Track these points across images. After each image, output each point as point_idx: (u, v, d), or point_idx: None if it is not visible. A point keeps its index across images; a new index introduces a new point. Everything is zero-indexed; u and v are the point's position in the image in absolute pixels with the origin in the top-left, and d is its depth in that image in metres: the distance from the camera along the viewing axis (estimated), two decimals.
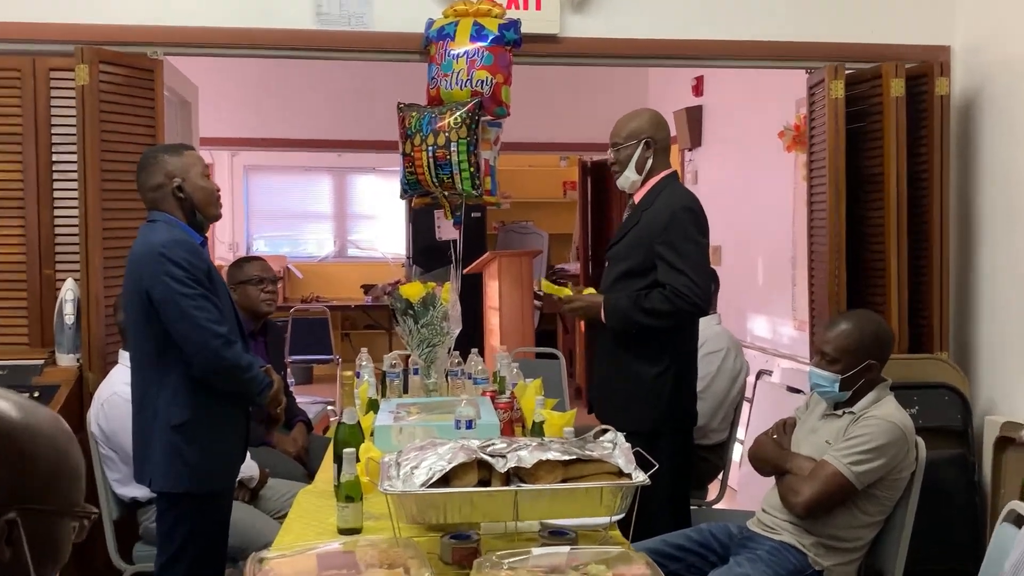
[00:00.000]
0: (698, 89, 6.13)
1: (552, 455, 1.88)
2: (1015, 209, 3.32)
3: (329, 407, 5.84)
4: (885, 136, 3.50)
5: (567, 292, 3.09)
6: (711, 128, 6.06)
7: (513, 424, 2.89)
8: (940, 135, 3.47)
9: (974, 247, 3.55)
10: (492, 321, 6.88)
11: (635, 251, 2.96)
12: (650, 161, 3.02)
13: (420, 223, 8.07)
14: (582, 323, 7.42)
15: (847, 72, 3.57)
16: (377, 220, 9.48)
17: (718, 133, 5.98)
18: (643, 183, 3.04)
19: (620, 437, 2.03)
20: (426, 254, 7.94)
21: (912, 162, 3.52)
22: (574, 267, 8.24)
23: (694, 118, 6.09)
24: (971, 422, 3.33)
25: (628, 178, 3.04)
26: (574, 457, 1.90)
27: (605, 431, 2.07)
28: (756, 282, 5.42)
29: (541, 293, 7.91)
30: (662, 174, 3.04)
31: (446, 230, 8.06)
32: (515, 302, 6.85)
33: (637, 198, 3.07)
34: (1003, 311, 3.39)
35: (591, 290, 3.09)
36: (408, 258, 8.32)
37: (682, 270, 2.83)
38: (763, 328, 5.33)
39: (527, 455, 1.88)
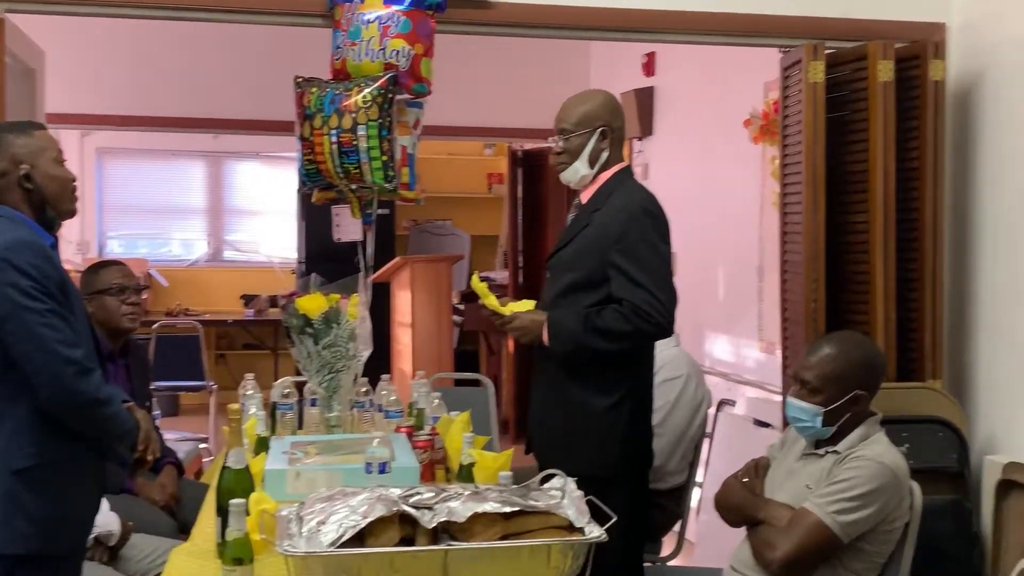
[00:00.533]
0: (649, 68, 6.20)
1: (490, 506, 1.86)
2: (1020, 214, 3.41)
3: (202, 445, 5.71)
4: (871, 127, 3.57)
5: (499, 305, 3.07)
6: (664, 114, 6.13)
7: (435, 467, 2.87)
8: (934, 127, 3.55)
9: (972, 257, 3.64)
10: (402, 340, 6.85)
11: (584, 260, 2.95)
12: (605, 154, 3.03)
13: (314, 221, 8.00)
14: (511, 342, 7.42)
15: (827, 52, 3.64)
16: (261, 217, 9.37)
17: (672, 120, 6.05)
18: (593, 179, 3.04)
19: (570, 483, 2.02)
20: (321, 258, 7.87)
21: (902, 158, 3.59)
22: (501, 276, 8.25)
23: (644, 102, 6.15)
24: (968, 463, 3.41)
25: (577, 172, 3.04)
26: (516, 509, 1.88)
27: (551, 476, 2.05)
28: (716, 296, 5.49)
29: (461, 307, 7.91)
30: (614, 169, 3.05)
31: (346, 230, 8.09)
32: (431, 317, 6.83)
33: (585, 197, 3.07)
34: (1006, 332, 3.49)
35: (528, 303, 3.08)
36: (300, 263, 8.23)
37: (642, 283, 2.83)
38: (724, 350, 5.40)
39: (459, 507, 1.85)
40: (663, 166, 6.08)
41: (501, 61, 6.95)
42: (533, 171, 7.63)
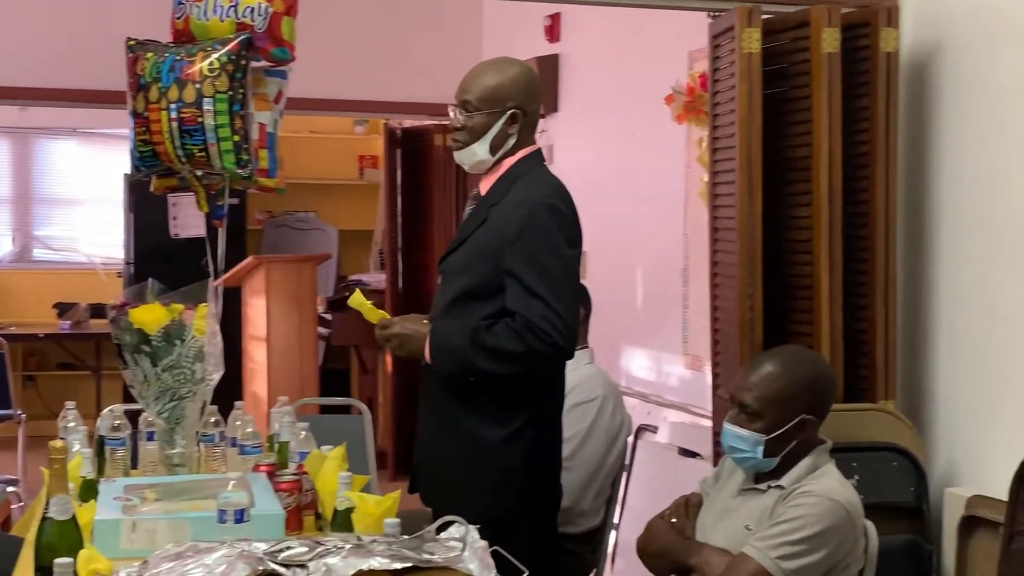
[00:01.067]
0: (553, 32, 6.24)
1: (377, 562, 1.85)
2: (985, 207, 3.52)
3: (10, 488, 5.55)
4: (814, 106, 3.64)
5: (383, 314, 3.06)
6: (571, 88, 6.17)
7: (303, 513, 2.84)
8: (886, 105, 3.63)
9: (930, 257, 3.74)
10: (256, 358, 6.78)
11: (478, 263, 2.96)
12: (512, 140, 3.04)
13: (145, 214, 7.88)
14: (389, 359, 7.39)
15: (764, 17, 3.70)
16: (80, 207, 9.21)
17: (581, 95, 6.09)
18: (496, 164, 3.05)
19: (472, 532, 2.02)
20: (154, 259, 7.73)
21: (849, 142, 3.66)
22: (376, 280, 8.21)
23: (547, 73, 6.19)
24: (927, 497, 3.50)
25: (474, 155, 3.05)
26: (409, 564, 1.87)
27: (449, 524, 2.05)
28: (633, 303, 5.55)
29: (328, 317, 7.86)
30: (521, 153, 3.06)
31: (185, 224, 7.98)
32: (291, 329, 6.78)
33: (485, 186, 3.08)
34: (969, 345, 3.59)
35: (417, 318, 3.07)
36: (127, 264, 8.08)
37: (540, 294, 2.84)
38: (643, 367, 5.46)
39: (339, 563, 1.84)
40: (569, 149, 6.12)
41: (376, 23, 6.93)
42: (415, 153, 7.61)
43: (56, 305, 8.67)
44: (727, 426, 2.78)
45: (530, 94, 3.07)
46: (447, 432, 3.02)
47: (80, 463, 3.10)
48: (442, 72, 7.27)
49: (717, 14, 3.87)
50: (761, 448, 2.72)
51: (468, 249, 3.01)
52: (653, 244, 5.39)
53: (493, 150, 3.03)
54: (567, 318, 2.86)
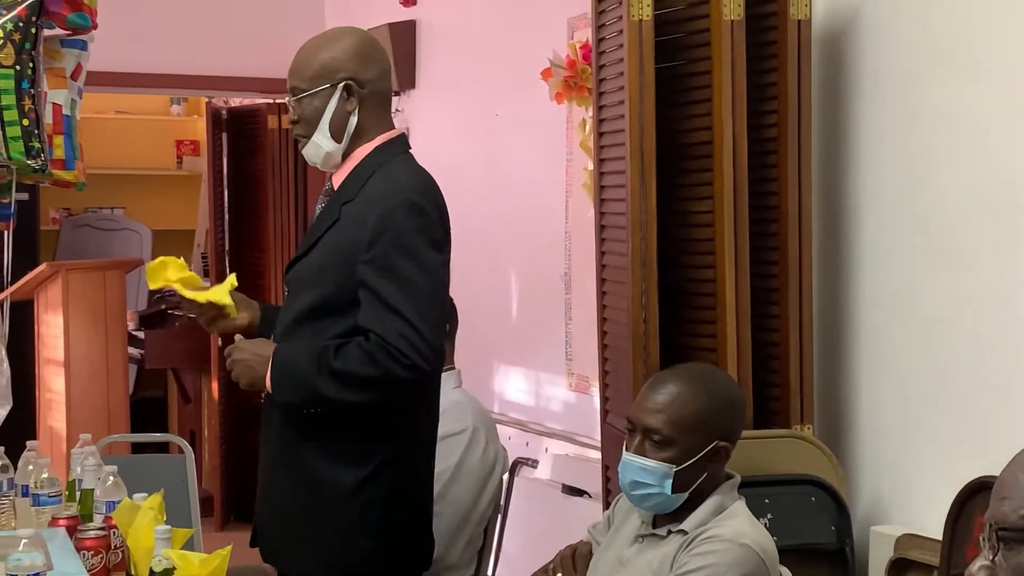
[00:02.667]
0: None
1: None
2: (912, 198, 3.57)
3: None
4: (715, 82, 3.66)
5: (222, 298, 3.02)
6: (431, 60, 6.16)
7: None
8: (797, 82, 3.66)
9: (849, 259, 3.79)
10: (53, 386, 6.63)
11: (329, 272, 2.95)
12: (354, 119, 3.02)
13: None
14: (216, 384, 7.27)
15: None
16: None
17: (442, 68, 6.08)
18: (347, 156, 3.05)
19: None
20: None
21: (755, 124, 3.70)
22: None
23: (403, 42, 6.18)
24: (850, 536, 3.54)
25: (320, 148, 3.03)
26: None
27: None
28: (506, 315, 5.55)
29: (140, 335, 7.71)
30: (378, 140, 3.06)
31: None
32: (95, 351, 6.66)
33: (337, 180, 3.07)
34: (892, 359, 3.64)
35: (230, 282, 3.08)
36: None
37: (397, 309, 2.84)
38: (519, 389, 5.46)
39: None
40: (429, 132, 6.10)
41: None
42: (245, 138, 7.51)
43: None
44: (628, 457, 2.78)
45: (365, 60, 3.05)
46: (290, 474, 3.00)
47: None
48: (276, 41, 7.19)
49: None
50: (669, 482, 2.73)
51: (318, 256, 3.00)
52: (529, 244, 5.39)
53: (336, 135, 3.02)
54: (430, 336, 2.85)
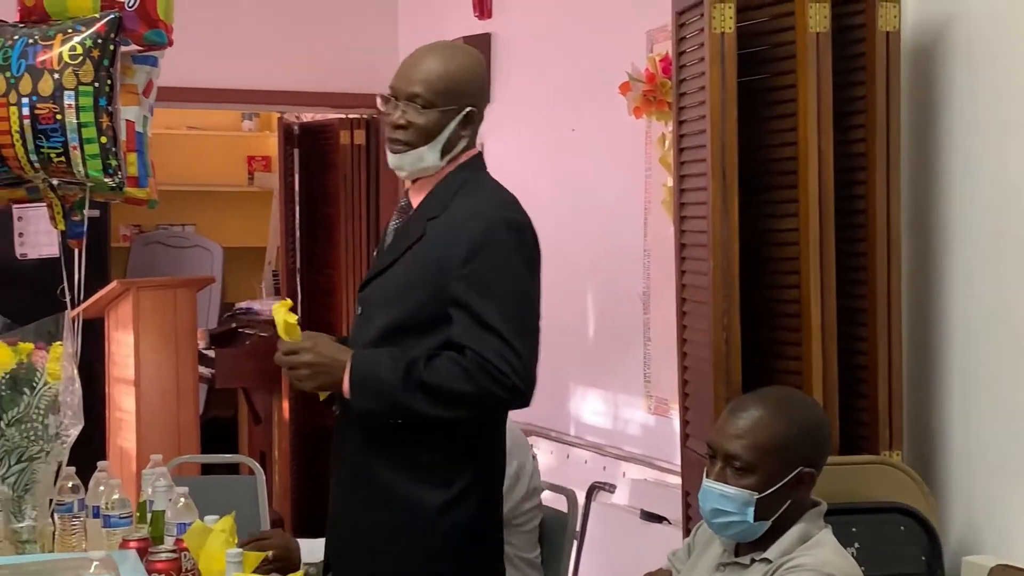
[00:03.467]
0: (484, 6, 6.23)
1: None
2: (1007, 217, 3.51)
3: None
4: (801, 96, 3.65)
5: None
6: (506, 74, 6.16)
7: None
8: (886, 95, 3.64)
9: (941, 279, 3.75)
10: (123, 405, 6.70)
11: (412, 290, 2.95)
12: (463, 143, 3.06)
13: None
14: (287, 405, 7.31)
15: None
16: None
17: (517, 82, 6.08)
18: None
19: None
20: None
21: (843, 140, 3.68)
22: (270, 308, 8.12)
23: None
24: (941, 566, 3.49)
25: (421, 160, 3.03)
26: None
27: None
28: (583, 335, 5.53)
29: (211, 353, 7.76)
30: (461, 159, 3.08)
31: (34, 242, 7.86)
32: (165, 370, 6.71)
33: (417, 196, 3.08)
34: (987, 383, 3.59)
35: (331, 342, 3.01)
36: None
37: (494, 327, 2.85)
38: (596, 412, 5.44)
39: None
40: (503, 147, 6.10)
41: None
42: (316, 153, 7.56)
43: None
44: (708, 484, 2.77)
45: (485, 88, 3.15)
46: (371, 495, 2.99)
47: None
48: (349, 56, 7.29)
49: None
50: (752, 510, 2.71)
51: (400, 272, 2.99)
52: (606, 262, 5.38)
53: (443, 154, 3.03)
54: (527, 357, 2.87)
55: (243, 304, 8.60)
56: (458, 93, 3.00)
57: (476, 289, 2.87)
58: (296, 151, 7.67)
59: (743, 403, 2.85)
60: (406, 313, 2.95)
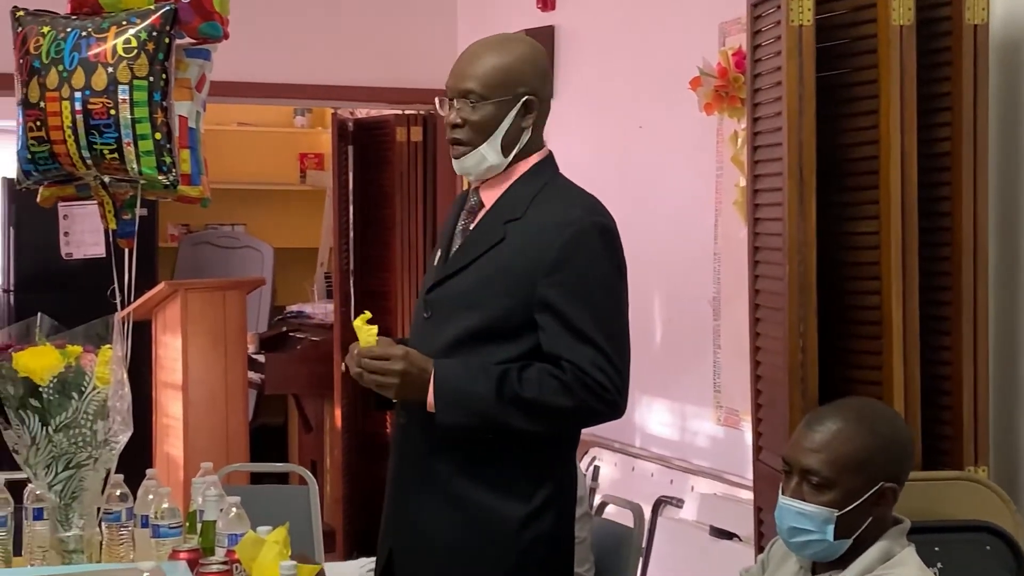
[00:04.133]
0: None
1: None
2: None
3: None
4: (883, 92, 3.62)
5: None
6: (570, 68, 6.16)
7: None
8: (973, 92, 3.60)
9: None
10: (171, 411, 6.76)
11: (494, 294, 2.94)
12: (526, 135, 3.06)
13: (29, 228, 7.83)
14: (339, 412, 7.32)
15: None
16: None
17: (582, 77, 6.08)
18: (504, 171, 3.06)
19: None
20: (40, 285, 7.69)
21: (926, 139, 3.65)
22: (323, 311, 8.17)
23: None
24: None
25: (484, 160, 3.03)
26: None
27: None
28: (650, 341, 5.52)
29: (260, 358, 7.80)
30: (534, 158, 3.09)
31: (80, 241, 7.93)
32: (214, 375, 6.77)
33: (489, 197, 3.08)
34: None
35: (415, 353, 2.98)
36: (5, 292, 8.03)
37: (591, 337, 2.85)
38: (663, 423, 5.43)
39: None
40: (568, 144, 6.03)
41: None
42: (371, 150, 7.57)
43: None
44: (785, 501, 2.75)
45: (544, 75, 3.12)
46: (443, 505, 2.99)
47: None
48: (406, 50, 7.28)
49: None
50: (832, 528, 2.69)
51: (477, 276, 2.98)
52: (674, 266, 5.36)
53: (505, 150, 3.02)
54: (622, 368, 2.89)
55: (294, 307, 8.64)
56: (512, 82, 3.00)
57: (570, 297, 2.87)
58: (350, 148, 7.66)
59: (821, 415, 2.83)
60: (488, 319, 2.94)
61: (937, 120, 3.68)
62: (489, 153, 3.01)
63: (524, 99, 3.01)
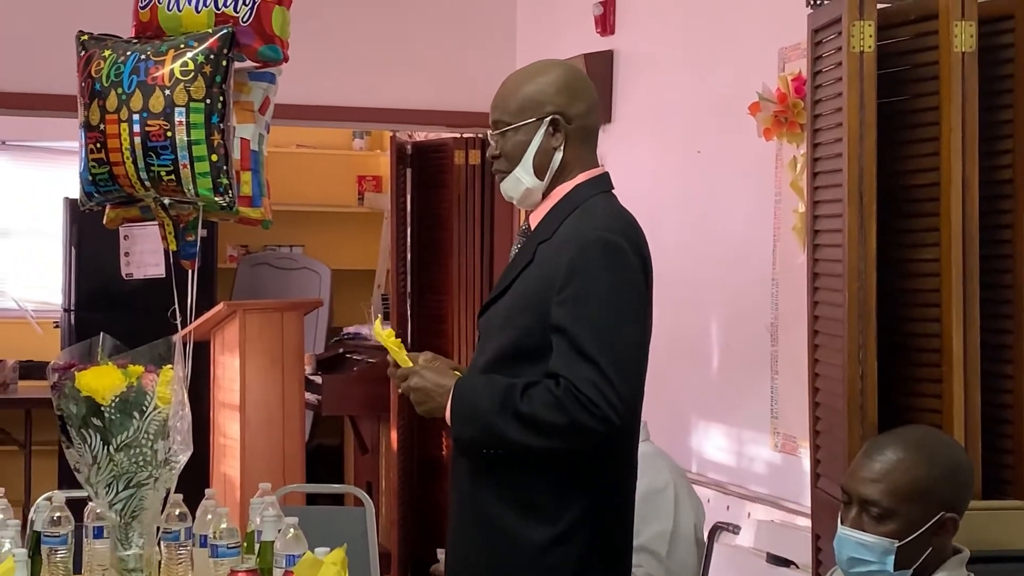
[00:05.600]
0: (606, 22, 6.25)
1: None
2: None
3: None
4: (944, 119, 3.60)
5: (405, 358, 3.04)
6: (628, 92, 6.17)
7: None
8: None
9: None
10: (228, 431, 6.78)
11: (521, 315, 2.98)
12: (559, 155, 3.05)
13: (90, 248, 7.91)
14: (394, 435, 7.33)
15: (880, 7, 3.68)
16: (8, 240, 9.25)
17: (640, 101, 6.08)
18: (546, 194, 3.08)
19: None
20: (100, 304, 7.75)
21: (989, 165, 3.63)
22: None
23: (599, 74, 6.18)
24: None
25: (519, 184, 3.06)
26: None
27: None
28: (707, 366, 5.50)
29: (317, 379, 7.82)
30: (580, 178, 3.08)
31: (140, 262, 8.01)
32: (272, 395, 6.78)
33: (535, 219, 3.10)
34: None
35: (444, 367, 3.05)
36: (66, 311, 8.10)
37: (589, 355, 2.84)
38: (719, 448, 5.41)
39: None
40: (625, 169, 6.06)
41: (381, 12, 6.95)
42: (429, 173, 7.59)
43: None
44: (844, 531, 2.74)
45: (573, 93, 3.09)
46: (476, 528, 3.02)
47: (11, 567, 3.09)
48: (464, 73, 7.31)
49: (819, 2, 3.86)
50: (891, 559, 2.68)
51: (511, 298, 3.03)
52: (731, 291, 5.35)
53: (539, 172, 3.04)
54: (621, 386, 2.85)
55: (351, 329, 8.66)
56: (535, 105, 3.03)
57: (571, 314, 2.89)
58: (409, 171, 7.69)
59: (879, 444, 2.82)
60: (514, 339, 2.98)
61: (999, 147, 3.66)
62: (523, 176, 3.05)
63: (549, 118, 3.02)
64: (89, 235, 7.79)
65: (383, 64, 7.02)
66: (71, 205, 7.97)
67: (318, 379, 7.89)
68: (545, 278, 2.95)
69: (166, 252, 7.78)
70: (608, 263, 2.93)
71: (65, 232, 8.12)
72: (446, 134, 7.41)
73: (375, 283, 9.15)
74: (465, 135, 7.19)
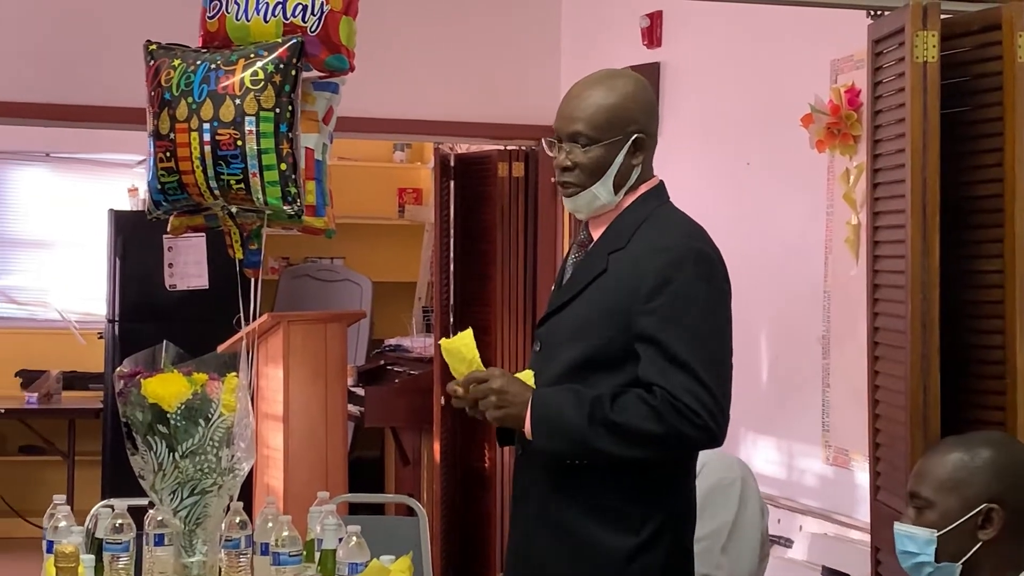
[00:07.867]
0: (653, 35, 6.24)
1: None
2: None
3: None
4: (1008, 130, 3.59)
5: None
6: (676, 104, 6.16)
7: None
8: None
9: None
10: (271, 442, 6.80)
11: (598, 325, 2.96)
12: (637, 172, 3.07)
13: (134, 259, 7.95)
14: (437, 446, 7.33)
15: (943, 17, 3.67)
16: (52, 250, 9.25)
17: (688, 113, 6.08)
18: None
19: None
20: (143, 315, 7.80)
21: None
22: (421, 345, 8.17)
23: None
24: None
25: (596, 199, 3.06)
26: None
27: None
28: (757, 378, 5.49)
29: (359, 391, 7.82)
30: (643, 189, 3.11)
31: (184, 273, 8.04)
32: (315, 406, 6.81)
33: (597, 229, 3.10)
34: None
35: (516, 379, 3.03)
36: (109, 322, 8.13)
37: (686, 363, 2.85)
38: (770, 460, 5.39)
39: None
40: (674, 181, 5.95)
41: (424, 24, 6.95)
42: (472, 185, 7.58)
43: (20, 373, 8.73)
44: (897, 527, 2.79)
45: (652, 110, 3.14)
46: (556, 537, 2.99)
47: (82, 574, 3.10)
48: (508, 85, 7.30)
49: (879, 12, 3.84)
50: (932, 549, 2.69)
51: (583, 307, 3.01)
52: (783, 303, 5.33)
53: (617, 188, 3.05)
54: (719, 395, 2.88)
55: (392, 340, 8.65)
56: (621, 121, 3.02)
57: (664, 323, 2.88)
58: (452, 183, 7.68)
59: (941, 446, 2.88)
60: (592, 349, 2.96)
61: None
62: (601, 192, 3.04)
63: (634, 138, 3.03)
64: (133, 247, 7.86)
65: (426, 76, 7.01)
66: (115, 216, 8.03)
67: (360, 391, 7.89)
68: (626, 288, 2.94)
69: (209, 263, 7.80)
70: (702, 273, 2.95)
71: (109, 243, 8.15)
72: (489, 146, 7.39)
73: (416, 295, 9.16)
74: (508, 147, 7.17)
